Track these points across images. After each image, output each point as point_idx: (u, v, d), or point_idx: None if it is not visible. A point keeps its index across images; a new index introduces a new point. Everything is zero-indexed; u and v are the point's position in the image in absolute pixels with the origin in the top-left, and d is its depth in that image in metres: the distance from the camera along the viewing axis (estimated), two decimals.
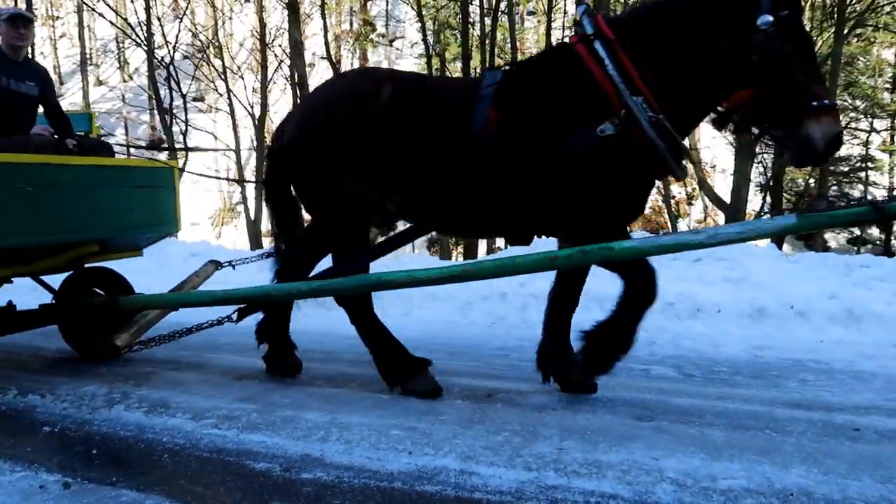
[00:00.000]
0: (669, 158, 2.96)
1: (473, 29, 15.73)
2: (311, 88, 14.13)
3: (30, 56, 4.47)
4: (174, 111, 16.26)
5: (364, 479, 2.54)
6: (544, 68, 3.22)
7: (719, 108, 3.06)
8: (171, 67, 14.26)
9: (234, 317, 3.87)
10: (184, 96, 16.00)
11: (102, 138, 5.00)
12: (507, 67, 3.31)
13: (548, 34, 16.70)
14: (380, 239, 3.91)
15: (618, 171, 3.04)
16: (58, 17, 31.18)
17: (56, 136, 4.25)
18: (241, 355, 4.53)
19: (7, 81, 4.09)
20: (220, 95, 19.97)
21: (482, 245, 16.92)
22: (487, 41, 15.71)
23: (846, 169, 18.59)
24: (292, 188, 3.79)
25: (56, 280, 4.64)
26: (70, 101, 30.13)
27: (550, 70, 3.19)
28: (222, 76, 18.61)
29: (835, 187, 16.80)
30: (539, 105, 3.12)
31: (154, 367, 4.29)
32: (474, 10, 15.41)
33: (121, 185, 4.08)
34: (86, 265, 4.52)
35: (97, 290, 4.59)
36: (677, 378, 3.87)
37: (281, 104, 23.72)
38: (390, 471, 2.61)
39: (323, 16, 17.79)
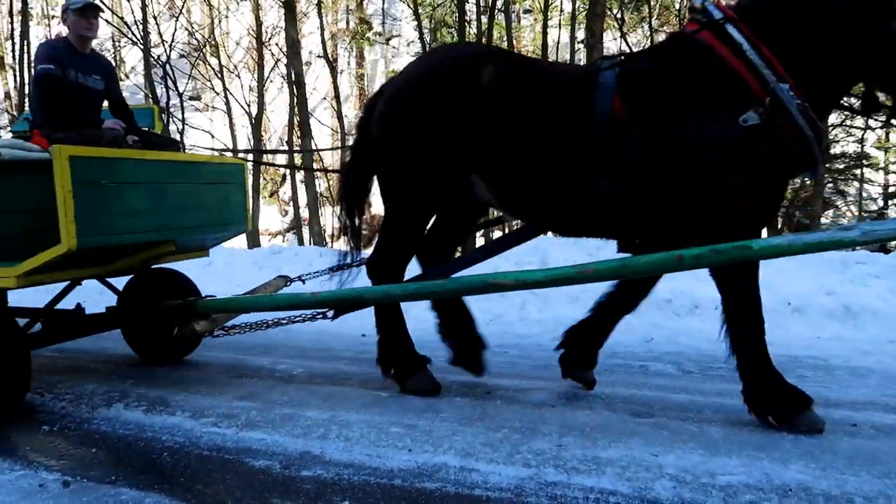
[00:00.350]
0: (818, 149, 2.73)
1: (470, 27, 15.71)
2: (307, 87, 14.12)
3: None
4: (171, 110, 16.23)
5: (364, 477, 2.54)
6: (670, 57, 2.95)
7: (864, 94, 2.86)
8: (168, 66, 14.22)
9: (331, 312, 3.46)
10: (180, 95, 15.97)
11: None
12: (622, 58, 3.06)
13: (544, 32, 16.69)
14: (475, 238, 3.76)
15: (761, 164, 2.76)
16: (54, 17, 31.06)
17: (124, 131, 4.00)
18: (238, 353, 4.53)
19: (75, 75, 3.90)
20: (217, 94, 19.93)
21: (480, 242, 16.92)
22: (484, 39, 15.70)
23: (842, 166, 18.64)
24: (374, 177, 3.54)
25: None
26: None
27: (676, 59, 2.92)
28: (219, 75, 18.58)
29: (830, 185, 16.82)
30: (668, 96, 2.87)
31: (153, 366, 4.28)
32: (471, 7, 15.40)
33: (195, 182, 3.87)
34: (152, 266, 4.27)
35: (157, 293, 4.31)
36: (676, 374, 3.88)
37: (278, 103, 23.69)
38: (390, 468, 2.61)
39: (319, 14, 17.79)
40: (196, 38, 19.63)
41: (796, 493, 2.32)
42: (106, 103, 4.20)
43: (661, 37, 19.86)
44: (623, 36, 16.29)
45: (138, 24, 16.30)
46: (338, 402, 3.40)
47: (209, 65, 19.61)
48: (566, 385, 3.56)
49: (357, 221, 3.70)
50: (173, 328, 3.94)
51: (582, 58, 14.70)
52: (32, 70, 4.02)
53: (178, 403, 3.45)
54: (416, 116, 3.24)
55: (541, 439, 2.85)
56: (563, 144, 2.98)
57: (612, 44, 18.79)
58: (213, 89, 19.83)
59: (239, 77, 18.84)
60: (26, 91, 17.58)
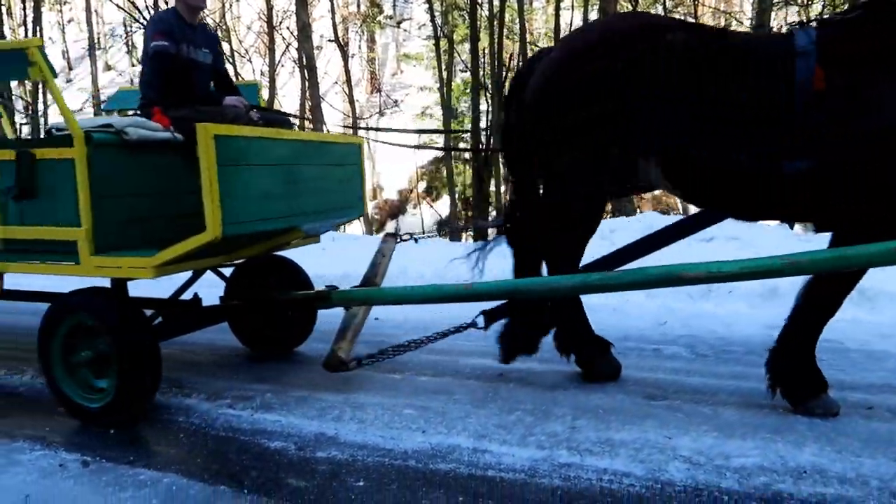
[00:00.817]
0: None
1: (482, 10, 15.58)
2: (318, 71, 14.10)
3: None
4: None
5: (378, 458, 2.56)
6: (872, 25, 2.65)
7: None
8: None
9: (481, 321, 3.17)
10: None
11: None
12: (814, 24, 2.77)
13: (557, 14, 16.52)
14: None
15: None
16: (66, 2, 31.15)
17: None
18: None
19: (187, 49, 3.64)
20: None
21: (492, 233, 16.89)
22: (496, 22, 15.57)
23: None
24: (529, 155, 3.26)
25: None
26: (79, 86, 30.14)
27: (882, 27, 2.62)
28: (230, 59, 18.55)
29: None
30: (875, 66, 2.58)
31: (168, 348, 4.32)
32: None
33: (321, 163, 3.56)
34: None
35: (268, 282, 3.98)
36: (690, 357, 3.87)
37: (289, 87, 23.67)
38: (404, 449, 2.63)
39: None
40: (207, 23, 19.61)
41: (811, 475, 2.31)
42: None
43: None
44: None
45: (150, 9, 16.30)
46: (351, 385, 3.42)
47: (220, 49, 19.59)
48: (579, 368, 3.56)
49: (520, 205, 3.47)
50: (286, 317, 3.88)
51: None
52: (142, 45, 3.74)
53: (193, 385, 3.49)
54: (587, 89, 2.91)
55: (554, 421, 2.85)
56: (757, 121, 2.68)
57: None
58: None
59: (250, 61, 18.84)
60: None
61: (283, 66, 19.47)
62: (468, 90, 20.11)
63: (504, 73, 15.85)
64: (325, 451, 2.64)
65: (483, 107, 16.82)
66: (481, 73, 16.61)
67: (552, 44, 17.73)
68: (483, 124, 16.94)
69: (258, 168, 3.00)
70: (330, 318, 4.66)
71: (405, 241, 4.16)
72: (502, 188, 18.71)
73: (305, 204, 3.37)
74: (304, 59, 13.53)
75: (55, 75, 3.09)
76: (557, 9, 16.35)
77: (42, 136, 3.30)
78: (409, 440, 2.71)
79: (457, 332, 3.18)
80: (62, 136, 2.99)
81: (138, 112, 3.64)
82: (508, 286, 2.97)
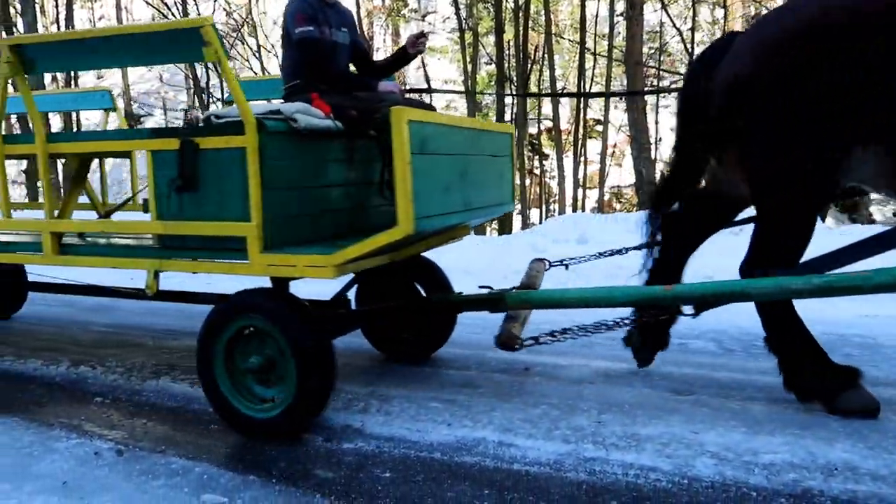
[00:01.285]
0: None
1: (507, 1, 15.50)
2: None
3: None
4: (210, 90, 16.46)
5: (404, 450, 2.58)
6: None
7: None
8: None
9: (688, 308, 2.81)
10: (220, 76, 16.16)
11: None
12: None
13: (582, 5, 16.37)
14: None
15: None
16: (96, 0, 31.68)
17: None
18: None
19: (329, 32, 3.38)
20: (255, 74, 20.10)
21: (517, 221, 16.87)
22: (521, 14, 15.49)
23: None
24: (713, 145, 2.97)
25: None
26: (110, 81, 30.67)
27: None
28: (257, 55, 18.73)
29: None
30: None
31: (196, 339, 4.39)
32: None
33: (482, 154, 3.27)
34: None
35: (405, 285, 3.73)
36: (717, 352, 3.83)
37: None
38: (430, 441, 2.65)
39: None
40: (234, 19, 19.79)
41: (842, 472, 2.28)
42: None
43: (702, 8, 19.28)
44: (664, 7, 15.88)
45: (178, 5, 16.51)
46: (377, 377, 3.45)
47: (247, 45, 19.77)
48: (605, 362, 3.55)
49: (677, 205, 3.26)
50: (425, 321, 3.62)
51: (621, 31, 14.38)
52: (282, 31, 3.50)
53: None
54: (804, 77, 2.57)
55: (580, 416, 2.85)
56: None
57: (652, 16, 18.35)
58: (252, 69, 20.01)
59: (277, 56, 18.92)
60: (75, 73, 18.00)
61: None
62: (493, 83, 20.04)
63: (529, 66, 15.76)
64: (351, 442, 2.67)
65: (508, 99, 16.74)
66: (506, 65, 16.54)
67: (578, 35, 17.59)
68: (507, 117, 16.86)
69: (441, 158, 2.76)
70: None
71: (552, 266, 3.70)
72: (527, 181, 18.60)
73: (473, 197, 3.10)
74: None
75: (228, 56, 2.81)
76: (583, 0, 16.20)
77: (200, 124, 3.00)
78: (435, 433, 2.73)
79: (654, 318, 2.88)
80: (229, 122, 2.75)
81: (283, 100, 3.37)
82: (725, 288, 2.61)
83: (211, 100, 16.54)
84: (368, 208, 3.31)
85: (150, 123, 19.66)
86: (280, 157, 2.75)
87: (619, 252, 3.53)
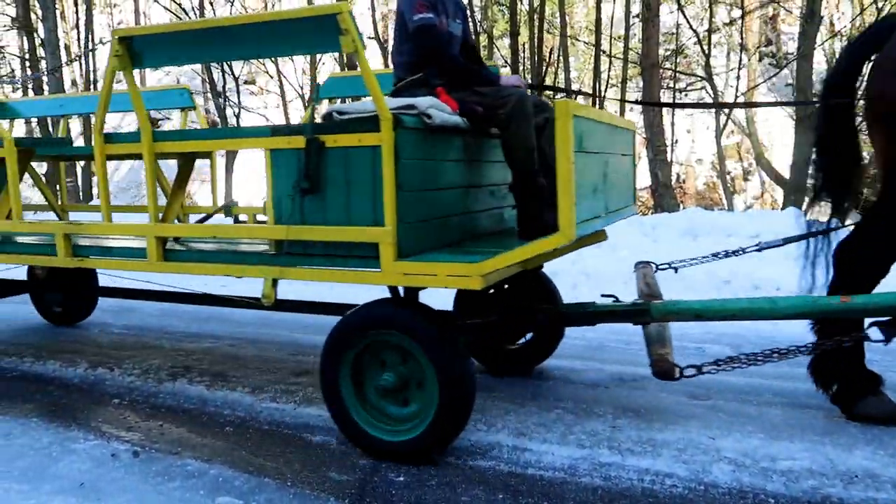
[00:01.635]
0: None
1: (521, 4, 15.49)
2: (357, 69, 14.18)
3: None
4: (227, 94, 16.60)
5: None
6: None
7: None
8: None
9: (875, 334, 2.44)
10: (236, 79, 16.30)
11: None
12: None
13: (598, 8, 16.31)
14: None
15: None
16: (115, 5, 32.07)
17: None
18: (295, 332, 4.63)
19: (446, 21, 3.14)
20: (271, 77, 20.25)
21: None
22: (536, 16, 15.46)
23: None
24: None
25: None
26: (122, 86, 31.06)
27: None
28: (273, 58, 18.84)
29: None
30: None
31: (213, 342, 4.43)
32: None
33: (615, 152, 3.04)
34: None
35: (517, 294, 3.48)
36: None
37: None
38: None
39: None
40: None
41: (862, 480, 2.25)
42: None
43: (719, 10, 19.14)
44: (680, 8, 15.79)
45: (195, 9, 16.66)
46: None
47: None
48: (620, 366, 3.53)
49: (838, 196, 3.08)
50: (524, 334, 3.41)
51: (637, 33, 14.32)
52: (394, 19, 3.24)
53: (237, 379, 3.57)
54: None
55: (595, 420, 2.83)
56: None
57: (668, 17, 18.25)
58: (267, 72, 20.16)
59: (292, 60, 19.05)
60: (95, 76, 18.24)
61: (323, 63, 19.67)
62: None
63: (544, 68, 15.72)
64: None
65: None
66: (521, 67, 16.51)
67: (593, 38, 17.52)
68: None
69: (592, 157, 2.55)
70: None
71: (660, 270, 3.51)
72: None
73: (609, 199, 2.88)
74: (345, 57, 13.63)
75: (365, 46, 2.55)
76: (598, 1, 16.14)
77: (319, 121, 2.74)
78: None
79: (836, 345, 2.52)
80: (359, 118, 2.52)
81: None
82: None
83: (227, 104, 16.64)
84: (480, 211, 3.13)
85: (167, 126, 19.87)
86: (413, 155, 2.52)
87: (734, 253, 3.27)
